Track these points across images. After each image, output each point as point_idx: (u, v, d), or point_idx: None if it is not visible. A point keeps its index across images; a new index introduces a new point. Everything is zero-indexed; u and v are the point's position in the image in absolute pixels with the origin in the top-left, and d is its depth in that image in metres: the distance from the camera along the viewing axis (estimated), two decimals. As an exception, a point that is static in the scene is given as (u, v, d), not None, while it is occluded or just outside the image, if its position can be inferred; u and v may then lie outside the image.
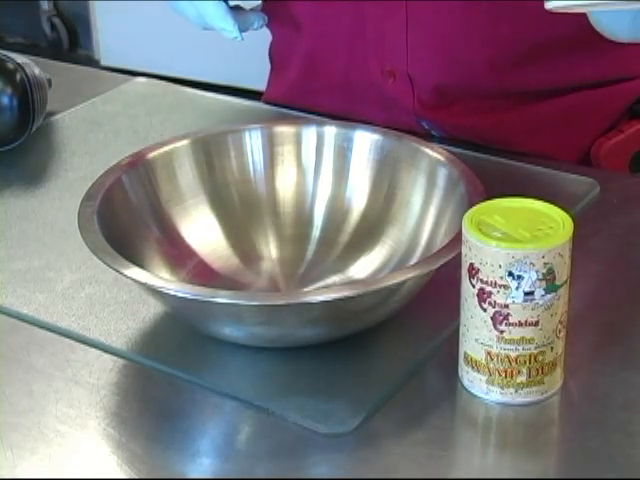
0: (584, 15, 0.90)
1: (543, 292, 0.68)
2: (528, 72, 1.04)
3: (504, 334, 0.69)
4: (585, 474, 0.66)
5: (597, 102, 1.06)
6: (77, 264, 0.87)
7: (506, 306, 0.68)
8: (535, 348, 0.69)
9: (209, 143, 0.90)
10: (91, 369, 0.76)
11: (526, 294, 0.68)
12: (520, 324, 0.68)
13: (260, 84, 1.26)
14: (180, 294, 0.71)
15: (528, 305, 0.68)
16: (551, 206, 0.71)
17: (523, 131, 1.07)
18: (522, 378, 0.70)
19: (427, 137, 0.98)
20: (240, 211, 0.90)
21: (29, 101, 1.05)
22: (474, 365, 0.71)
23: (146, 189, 0.86)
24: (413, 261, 0.83)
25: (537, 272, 0.67)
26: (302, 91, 1.14)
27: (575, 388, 0.72)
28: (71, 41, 3.58)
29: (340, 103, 1.09)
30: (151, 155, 0.88)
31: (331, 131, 0.91)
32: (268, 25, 1.18)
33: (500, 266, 0.67)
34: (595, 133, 1.08)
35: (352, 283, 0.83)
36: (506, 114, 1.06)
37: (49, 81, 1.12)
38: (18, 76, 1.04)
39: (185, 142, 0.90)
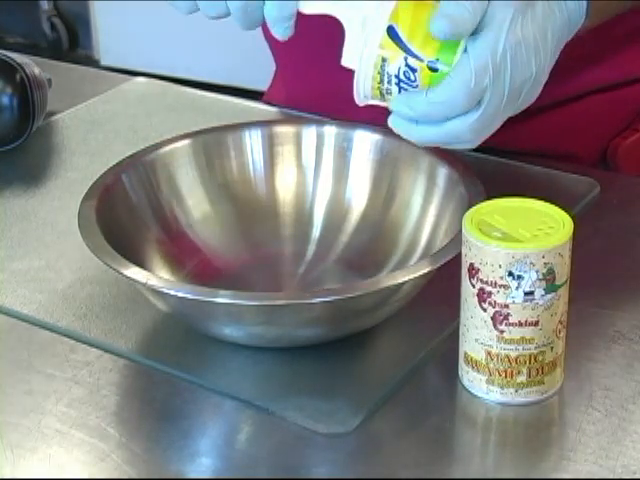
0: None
1: (543, 292, 0.68)
2: (546, 87, 1.04)
3: (504, 334, 0.69)
4: (585, 474, 0.66)
5: (612, 104, 1.07)
6: (77, 264, 0.87)
7: (506, 306, 0.68)
8: (535, 348, 0.69)
9: (209, 143, 0.90)
10: (91, 369, 0.76)
11: (526, 294, 0.68)
12: (520, 324, 0.68)
13: (260, 84, 1.26)
14: (180, 294, 0.71)
15: (528, 305, 0.68)
16: (551, 206, 0.71)
17: (539, 138, 1.07)
18: (522, 378, 0.70)
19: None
20: (240, 211, 0.90)
21: (29, 101, 1.05)
22: (474, 365, 0.71)
23: (146, 189, 0.86)
24: (413, 261, 0.83)
25: (537, 272, 0.67)
26: (308, 100, 1.13)
27: (575, 388, 0.73)
28: (71, 41, 3.58)
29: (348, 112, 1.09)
30: (151, 155, 0.88)
31: (331, 131, 0.91)
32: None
33: (500, 266, 0.67)
34: (611, 134, 1.08)
35: (352, 283, 0.83)
36: (522, 124, 1.05)
37: (49, 81, 1.11)
38: (18, 76, 1.04)
39: (185, 142, 0.90)
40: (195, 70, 3.03)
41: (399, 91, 0.73)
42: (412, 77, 0.72)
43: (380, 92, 0.73)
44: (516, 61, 0.72)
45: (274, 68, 1.24)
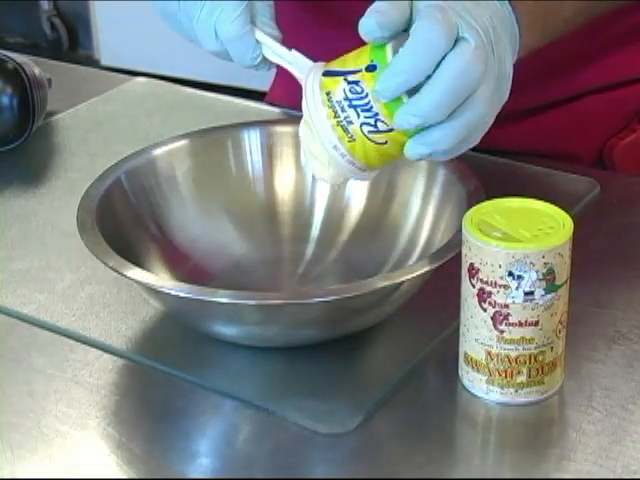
0: (591, 25, 0.90)
1: (543, 292, 0.68)
2: (544, 87, 1.04)
3: (504, 334, 0.69)
4: (585, 474, 0.66)
5: (610, 105, 1.07)
6: (77, 264, 0.87)
7: (506, 306, 0.68)
8: (535, 348, 0.69)
9: (209, 143, 0.90)
10: (91, 369, 0.76)
11: (526, 294, 0.68)
12: (520, 324, 0.68)
13: (260, 84, 1.26)
14: (180, 294, 0.71)
15: (528, 305, 0.68)
16: (551, 206, 0.71)
17: (538, 137, 1.07)
18: (522, 378, 0.70)
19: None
20: (239, 211, 0.90)
21: (29, 101, 1.05)
22: (474, 365, 0.71)
23: (146, 189, 0.86)
24: (412, 261, 0.83)
25: (537, 272, 0.67)
26: None
27: (575, 388, 0.73)
28: (71, 41, 3.58)
29: None
30: (151, 155, 0.88)
31: (331, 131, 0.90)
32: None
33: (500, 266, 0.67)
34: (609, 134, 1.08)
35: (351, 283, 0.83)
36: (521, 124, 1.06)
37: (49, 81, 1.12)
38: (18, 76, 1.04)
39: (185, 142, 0.90)
40: (195, 70, 3.03)
41: (356, 111, 0.70)
42: (358, 89, 0.71)
43: (342, 128, 0.71)
44: (466, 5, 0.70)
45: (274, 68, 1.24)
